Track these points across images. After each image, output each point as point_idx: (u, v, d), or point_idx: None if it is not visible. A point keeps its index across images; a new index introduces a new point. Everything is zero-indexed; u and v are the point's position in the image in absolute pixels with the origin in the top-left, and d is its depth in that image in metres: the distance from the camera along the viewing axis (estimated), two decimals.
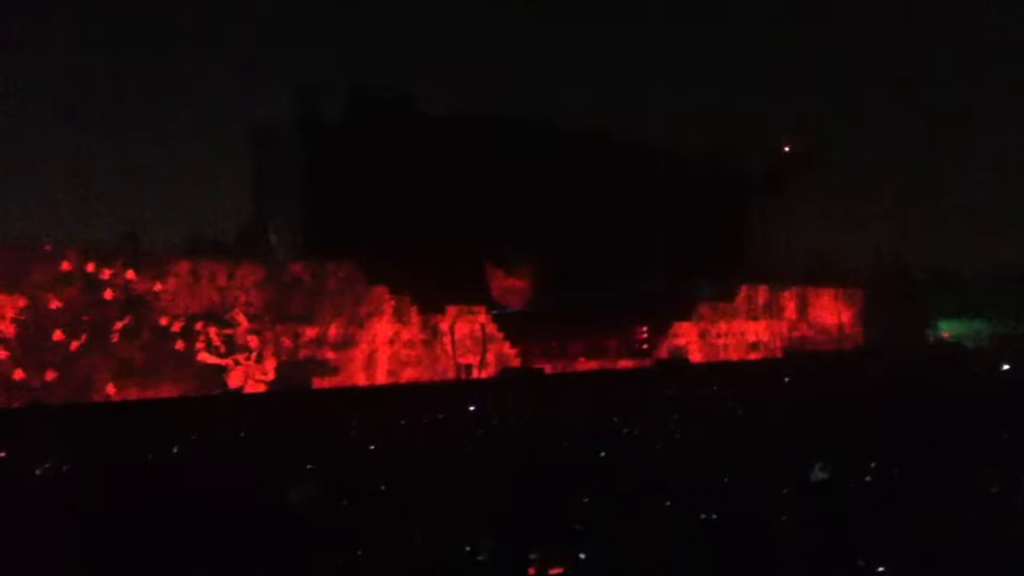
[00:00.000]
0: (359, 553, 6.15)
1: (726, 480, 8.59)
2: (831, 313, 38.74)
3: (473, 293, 25.49)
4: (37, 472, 9.57)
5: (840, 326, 39.11)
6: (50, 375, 17.01)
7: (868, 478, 8.55)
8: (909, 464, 9.08)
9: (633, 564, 5.90)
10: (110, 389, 17.76)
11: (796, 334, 36.27)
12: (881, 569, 5.67)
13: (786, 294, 36.11)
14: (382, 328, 22.35)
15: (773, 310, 35.35)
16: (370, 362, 22.04)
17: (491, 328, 25.04)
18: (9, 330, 16.60)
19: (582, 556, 6.03)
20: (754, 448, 10.66)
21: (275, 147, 26.54)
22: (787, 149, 39.81)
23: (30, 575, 5.85)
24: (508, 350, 25.31)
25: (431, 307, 23.49)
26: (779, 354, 34.69)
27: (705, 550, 6.18)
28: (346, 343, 21.63)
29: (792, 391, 19.03)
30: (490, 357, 24.70)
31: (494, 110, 29.40)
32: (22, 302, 16.79)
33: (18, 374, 16.65)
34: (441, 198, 24.44)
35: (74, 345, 17.35)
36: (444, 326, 23.79)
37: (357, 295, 21.99)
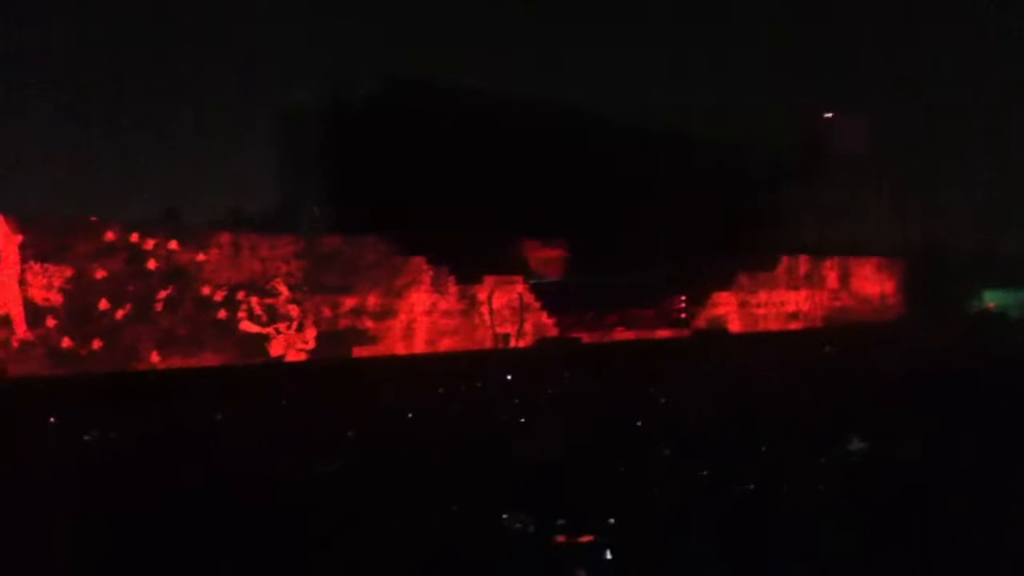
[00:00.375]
0: (396, 521, 6.24)
1: (763, 450, 8.58)
2: (873, 283, 38.21)
3: (511, 264, 25.52)
4: (85, 438, 9.81)
5: (882, 296, 38.58)
6: (96, 344, 17.39)
7: (906, 450, 8.48)
8: (946, 437, 8.98)
9: (666, 533, 5.92)
10: (154, 358, 18.12)
11: (837, 304, 35.86)
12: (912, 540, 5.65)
13: (827, 264, 35.67)
14: (420, 298, 22.50)
15: (814, 280, 34.96)
16: (408, 332, 22.22)
17: (529, 298, 25.09)
18: (57, 299, 16.99)
19: (612, 521, 6.06)
20: (791, 418, 10.61)
21: (314, 124, 26.75)
22: (828, 115, 39.19)
23: (75, 538, 6.01)
24: (545, 320, 25.34)
25: (468, 277, 23.61)
26: (819, 324, 34.37)
27: (739, 519, 6.19)
28: (385, 313, 21.82)
29: (831, 361, 18.85)
30: (528, 327, 24.77)
31: (532, 86, 29.38)
32: (68, 272, 17.15)
33: (65, 342, 17.05)
34: (479, 173, 24.47)
35: (119, 314, 17.71)
36: (482, 296, 23.88)
37: (394, 266, 22.13)
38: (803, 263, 34.42)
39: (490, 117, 25.96)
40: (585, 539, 5.71)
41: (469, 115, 25.63)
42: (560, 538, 5.79)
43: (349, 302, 21.13)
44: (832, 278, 35.85)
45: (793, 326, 33.29)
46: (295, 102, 27.99)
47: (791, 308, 33.65)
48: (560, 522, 6.02)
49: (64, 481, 7.84)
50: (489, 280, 24.05)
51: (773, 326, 32.48)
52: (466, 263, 23.25)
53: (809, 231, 38.20)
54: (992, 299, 41.13)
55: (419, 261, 22.54)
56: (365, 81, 25.21)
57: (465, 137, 24.97)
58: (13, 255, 16.60)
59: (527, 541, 5.80)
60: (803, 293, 34.26)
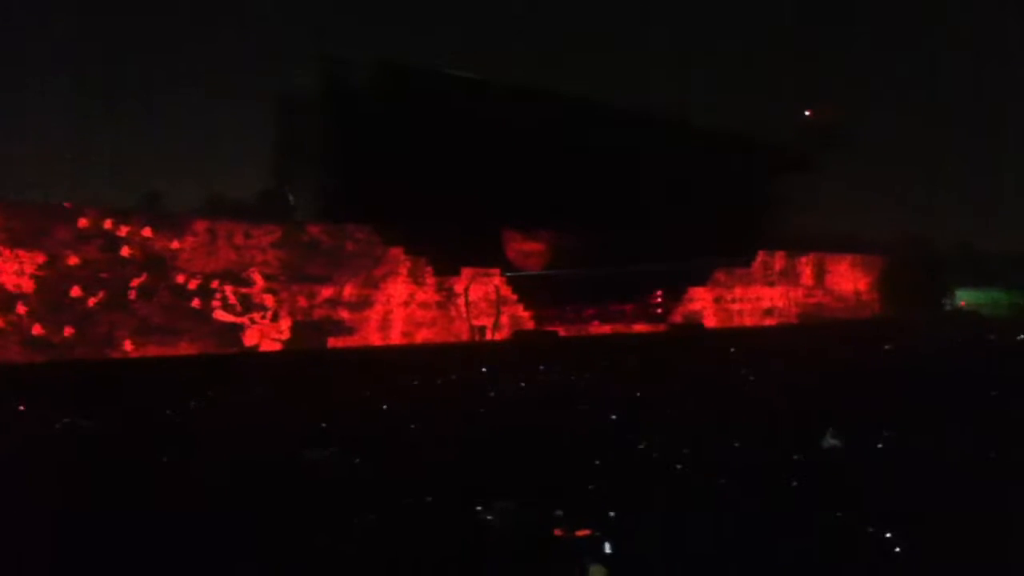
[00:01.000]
0: (373, 515, 6.21)
1: (738, 445, 8.63)
2: (848, 280, 38.55)
3: (488, 256, 25.51)
4: (56, 426, 9.71)
5: (857, 293, 38.94)
6: (68, 331, 17.21)
7: (880, 445, 8.55)
8: (921, 431, 9.09)
9: (648, 530, 5.93)
10: (128, 346, 17.97)
11: (812, 300, 36.17)
12: (888, 535, 5.69)
13: (803, 260, 35.95)
14: (397, 289, 22.45)
15: (790, 276, 35.22)
16: (385, 323, 22.17)
17: (505, 291, 25.10)
18: (29, 286, 16.78)
19: (612, 515, 6.05)
20: (766, 414, 10.69)
21: (294, 112, 26.57)
22: (808, 114, 39.43)
23: (48, 526, 5.95)
24: (522, 312, 25.38)
25: (446, 269, 23.58)
26: (794, 320, 34.65)
27: (719, 516, 6.21)
28: (361, 304, 21.76)
29: (806, 358, 18.98)
30: (504, 319, 24.80)
31: (511, 78, 29.29)
32: (41, 258, 16.96)
33: (37, 329, 16.86)
34: (458, 164, 24.39)
35: (92, 302, 17.53)
36: (459, 288, 23.86)
37: (373, 257, 22.06)
38: (779, 259, 34.65)
39: (473, 107, 25.86)
40: (582, 533, 5.69)
41: (452, 105, 25.51)
42: (557, 531, 5.75)
43: (325, 292, 21.04)
44: (807, 274, 36.12)
45: (768, 322, 33.53)
46: (279, 88, 27.80)
47: (766, 304, 33.89)
48: (557, 513, 5.99)
49: (35, 469, 7.76)
50: (466, 272, 24.03)
51: (749, 321, 32.71)
52: (444, 255, 23.22)
53: (789, 227, 38.43)
54: (964, 298, 41.63)
55: (397, 252, 22.47)
56: (349, 68, 25.02)
57: (447, 127, 24.87)
58: None
59: (510, 535, 5.79)
60: (778, 289, 34.51)
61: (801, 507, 6.42)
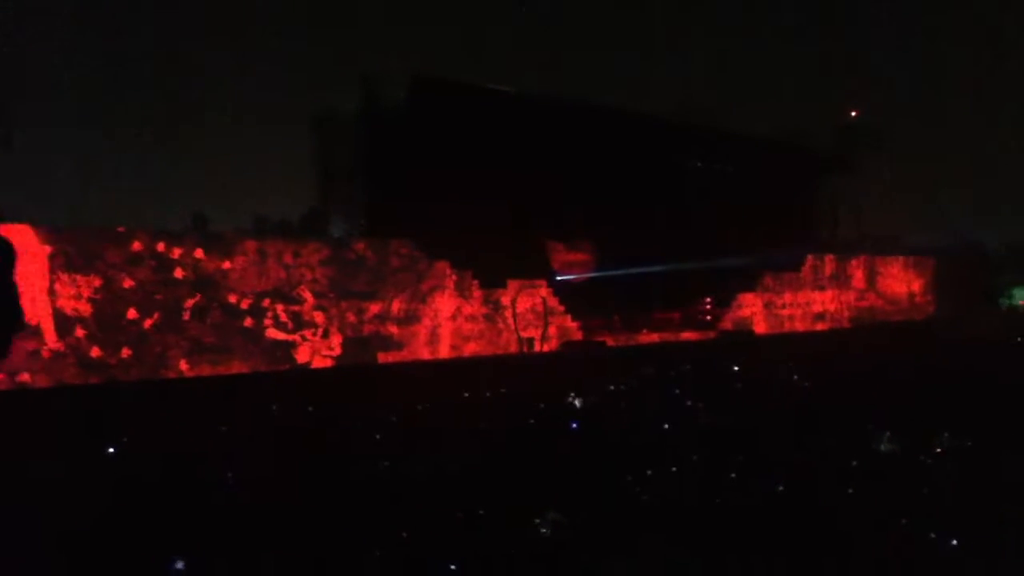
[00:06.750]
0: (422, 526, 6.23)
1: (792, 452, 8.50)
2: (900, 282, 37.85)
3: (534, 267, 25.51)
4: (111, 449, 9.88)
5: (910, 295, 38.22)
6: (125, 352, 17.55)
7: (939, 450, 8.37)
8: (979, 436, 8.87)
9: (701, 539, 5.87)
10: (183, 366, 18.26)
11: (864, 304, 35.56)
12: (955, 543, 5.56)
13: (853, 263, 35.37)
14: (444, 303, 22.54)
15: (840, 279, 34.67)
16: (433, 337, 22.27)
17: (552, 301, 25.06)
18: (86, 309, 17.16)
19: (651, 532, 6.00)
20: (820, 419, 10.52)
21: (338, 131, 26.90)
22: (854, 115, 38.92)
23: (110, 543, 6.06)
24: (570, 323, 25.31)
25: (492, 282, 23.61)
26: (846, 324, 34.10)
27: (772, 523, 6.13)
28: (409, 319, 21.88)
29: (859, 362, 18.66)
30: (552, 330, 24.75)
31: (552, 89, 29.35)
32: (97, 282, 17.33)
33: (95, 352, 17.21)
34: (500, 175, 24.43)
35: (147, 323, 17.86)
36: (506, 300, 23.88)
37: (419, 272, 22.18)
38: (829, 262, 34.14)
39: (515, 120, 25.92)
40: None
41: (494, 118, 25.60)
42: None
43: (374, 308, 21.20)
44: (859, 277, 35.54)
45: (819, 326, 33.04)
46: (319, 106, 28.20)
47: (817, 308, 33.41)
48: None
49: (93, 488, 7.90)
50: (513, 284, 24.05)
51: (799, 326, 32.27)
52: (490, 267, 23.27)
53: (838, 229, 37.97)
54: (1022, 296, 40.69)
55: (443, 266, 22.57)
56: (390, 84, 25.25)
57: (489, 140, 24.96)
58: (42, 266, 16.79)
59: (558, 548, 5.76)
60: (829, 293, 33.98)
61: (861, 514, 6.30)
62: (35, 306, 16.61)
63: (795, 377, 15.43)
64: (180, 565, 5.49)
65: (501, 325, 23.72)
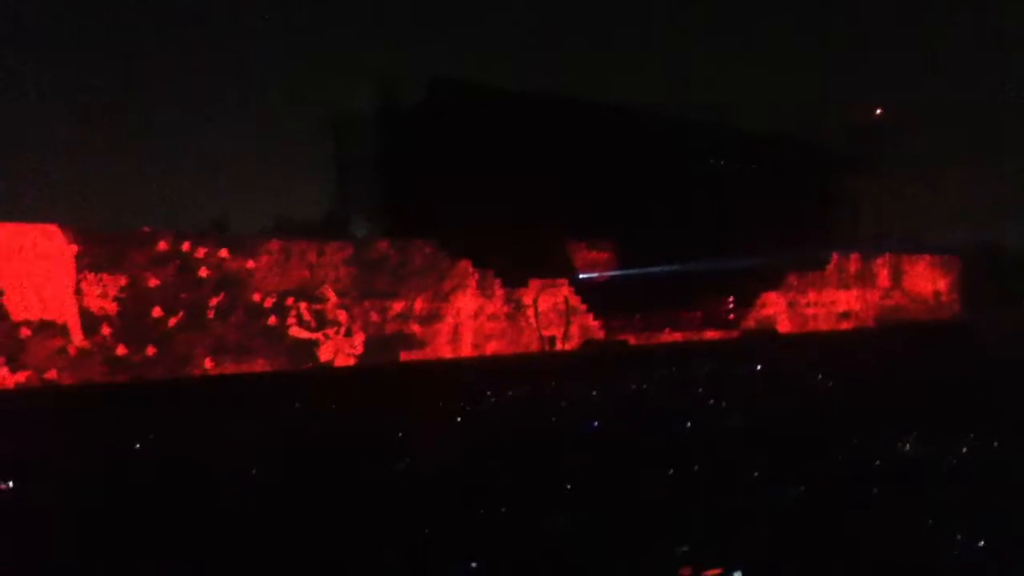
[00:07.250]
0: (445, 525, 6.24)
1: (814, 452, 8.45)
2: (926, 281, 37.44)
3: (556, 266, 25.50)
4: (137, 446, 9.98)
5: (936, 294, 37.80)
6: (150, 351, 17.72)
7: (964, 449, 8.30)
8: (1006, 437, 8.77)
9: (723, 537, 5.84)
10: (207, 364, 18.41)
11: (889, 303, 35.20)
12: (982, 543, 5.51)
13: (878, 261, 35.02)
14: (466, 302, 22.57)
15: (865, 278, 34.35)
16: (455, 336, 22.30)
17: (574, 300, 25.02)
18: (112, 308, 17.34)
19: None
20: (843, 420, 10.44)
21: (360, 132, 27.03)
22: (878, 112, 38.60)
23: (140, 539, 6.13)
24: (591, 322, 25.26)
25: (514, 281, 23.62)
26: (871, 324, 33.78)
27: (794, 524, 6.09)
28: (431, 317, 21.92)
29: (884, 362, 18.48)
30: (573, 329, 24.71)
31: (570, 88, 29.38)
32: (123, 281, 17.51)
33: (120, 350, 17.40)
34: (521, 175, 24.46)
35: (172, 322, 18.02)
36: (527, 299, 23.88)
37: (441, 271, 22.23)
38: (853, 261, 33.84)
39: (537, 120, 25.93)
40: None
41: (516, 118, 25.61)
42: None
43: (396, 307, 21.26)
44: (883, 276, 35.19)
45: (844, 326, 32.77)
46: (341, 107, 28.35)
47: (842, 308, 33.13)
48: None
49: (122, 484, 7.99)
50: (534, 283, 24.04)
51: (823, 326, 32.01)
52: (512, 266, 23.28)
53: (863, 228, 37.65)
54: None
55: (465, 265, 22.61)
56: (410, 84, 25.37)
57: (511, 140, 24.99)
58: (69, 265, 16.99)
59: (580, 548, 5.73)
60: (853, 292, 33.68)
61: (884, 515, 6.25)
62: (62, 305, 16.82)
63: (819, 377, 15.32)
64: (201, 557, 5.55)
65: (523, 324, 23.72)
